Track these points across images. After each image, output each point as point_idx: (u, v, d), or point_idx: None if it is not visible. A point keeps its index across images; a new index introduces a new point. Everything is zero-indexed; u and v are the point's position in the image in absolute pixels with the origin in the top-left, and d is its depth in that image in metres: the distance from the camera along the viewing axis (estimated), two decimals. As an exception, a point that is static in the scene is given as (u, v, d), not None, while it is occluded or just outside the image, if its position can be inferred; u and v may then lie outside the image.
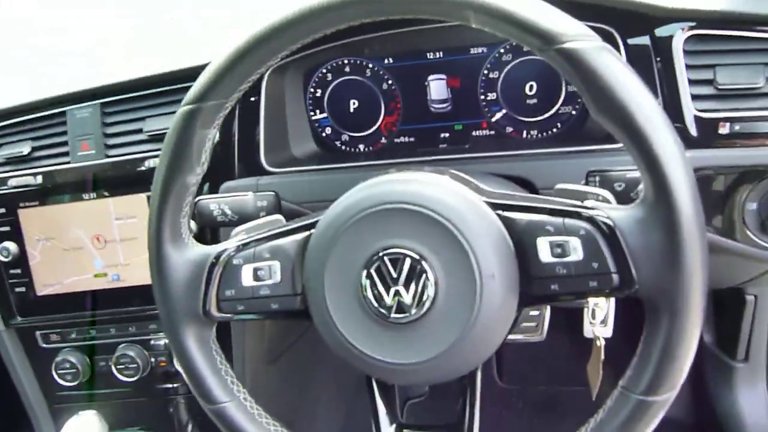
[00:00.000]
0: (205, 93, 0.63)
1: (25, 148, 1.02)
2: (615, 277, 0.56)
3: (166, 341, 1.05)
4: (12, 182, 1.01)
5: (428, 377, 0.61)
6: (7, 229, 1.03)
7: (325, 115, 1.01)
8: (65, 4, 1.54)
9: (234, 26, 1.16)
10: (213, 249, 0.69)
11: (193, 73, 0.98)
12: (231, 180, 0.93)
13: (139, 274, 1.01)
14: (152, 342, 1.06)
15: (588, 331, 0.99)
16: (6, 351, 1.09)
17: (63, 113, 1.01)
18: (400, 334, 0.61)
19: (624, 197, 0.72)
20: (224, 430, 0.69)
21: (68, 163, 1.00)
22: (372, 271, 0.61)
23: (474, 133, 0.97)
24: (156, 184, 0.66)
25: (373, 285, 0.61)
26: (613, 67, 0.53)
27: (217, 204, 0.81)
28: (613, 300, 0.85)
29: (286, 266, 0.67)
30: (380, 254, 0.61)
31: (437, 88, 0.96)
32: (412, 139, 1.00)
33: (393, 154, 0.98)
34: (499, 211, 0.61)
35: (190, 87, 0.97)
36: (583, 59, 0.53)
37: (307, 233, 0.67)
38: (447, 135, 0.98)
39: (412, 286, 0.60)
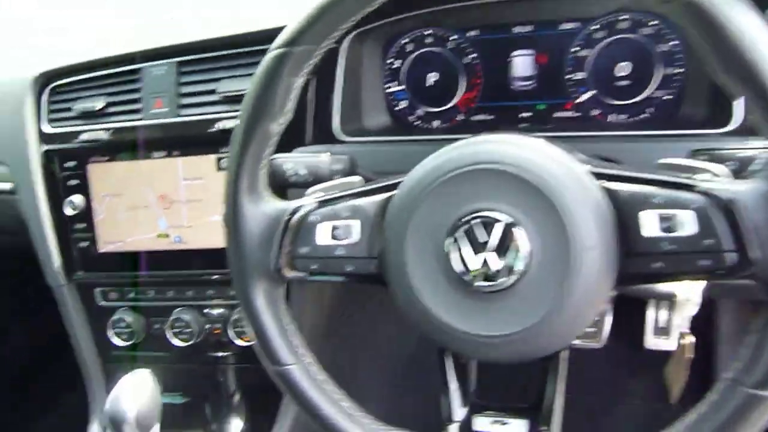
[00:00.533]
0: (296, 37, 0.61)
1: (98, 103, 1.01)
2: (731, 256, 0.51)
3: (223, 309, 1.04)
4: (84, 136, 1.01)
5: (512, 353, 0.57)
6: (75, 182, 1.03)
7: (401, 87, 0.98)
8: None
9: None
10: (289, 204, 0.66)
11: (272, 35, 0.97)
12: (302, 145, 0.91)
13: (202, 238, 0.99)
14: (208, 308, 1.04)
15: (649, 340, 0.94)
16: (65, 306, 1.09)
17: (139, 70, 1.00)
18: (485, 304, 0.57)
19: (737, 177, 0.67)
20: (287, 393, 0.66)
21: (140, 120, 1.00)
22: (459, 235, 0.57)
23: (556, 114, 0.93)
24: (237, 130, 0.64)
25: (460, 250, 0.57)
26: (748, 21, 0.48)
27: (292, 162, 0.79)
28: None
29: (365, 226, 0.64)
30: (469, 217, 0.57)
31: (522, 64, 0.92)
32: (490, 117, 0.96)
33: (469, 131, 0.93)
34: (603, 181, 0.57)
35: (266, 50, 0.97)
36: (712, 11, 0.49)
37: (388, 194, 0.64)
38: (528, 114, 0.94)
39: (503, 253, 0.56)
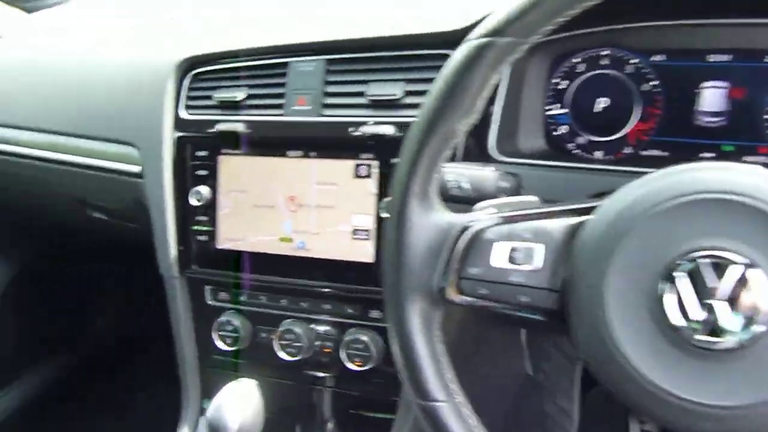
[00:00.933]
0: (503, 27, 0.53)
1: (239, 94, 0.97)
2: None
3: (337, 327, 0.96)
4: (220, 126, 0.97)
5: (744, 429, 0.46)
6: (204, 173, 0.99)
7: (564, 110, 0.89)
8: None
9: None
10: (462, 217, 0.58)
11: (432, 41, 0.91)
12: (452, 162, 0.84)
13: (328, 247, 0.92)
14: (322, 324, 0.97)
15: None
16: (174, 300, 1.04)
17: (285, 64, 0.96)
18: (708, 365, 0.46)
19: None
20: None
21: (281, 116, 0.95)
22: (678, 276, 0.47)
23: (746, 159, 0.81)
24: (417, 126, 0.56)
25: (678, 295, 0.47)
26: None
27: (454, 174, 0.71)
28: None
29: (550, 253, 0.55)
30: (694, 256, 0.47)
31: (712, 97, 0.81)
32: (664, 154, 0.85)
33: (635, 167, 0.84)
34: None
35: (424, 55, 0.91)
36: None
37: (579, 218, 0.55)
38: (710, 155, 0.82)
39: (737, 302, 0.46)
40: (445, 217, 0.58)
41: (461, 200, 0.70)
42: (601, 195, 0.57)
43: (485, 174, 0.71)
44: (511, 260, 0.55)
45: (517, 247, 0.55)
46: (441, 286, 0.57)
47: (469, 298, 0.56)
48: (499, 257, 0.55)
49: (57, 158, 1.14)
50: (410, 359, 0.57)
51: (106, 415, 1.66)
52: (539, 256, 0.55)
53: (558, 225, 0.55)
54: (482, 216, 0.58)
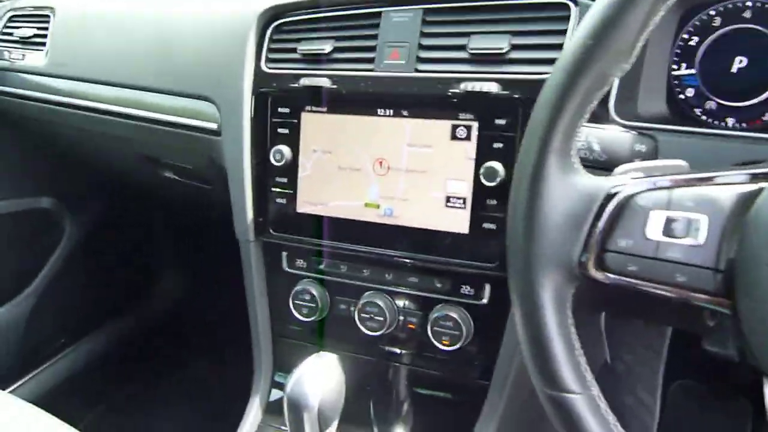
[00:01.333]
0: None
1: (326, 46, 0.90)
2: None
3: (422, 302, 0.89)
4: (304, 81, 0.90)
5: None
6: (285, 131, 0.93)
7: (692, 71, 0.79)
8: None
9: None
10: (607, 181, 0.49)
11: None
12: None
13: (418, 215, 0.85)
14: (406, 298, 0.90)
15: None
16: (248, 265, 0.99)
17: (378, 14, 0.88)
18: None
19: None
20: (563, 425, 0.50)
21: (371, 71, 0.87)
22: None
23: None
24: (562, 69, 0.48)
25: None
26: None
27: (585, 135, 0.62)
28: None
29: (715, 226, 0.46)
30: None
31: None
32: (811, 122, 0.74)
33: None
34: None
35: (535, 5, 0.82)
36: None
37: (757, 186, 0.46)
38: None
39: None
40: (588, 179, 0.50)
41: (592, 164, 0.61)
42: (751, 163, 0.48)
43: (619, 135, 0.62)
44: (667, 233, 0.47)
45: (676, 218, 0.47)
46: (581, 260, 0.49)
47: (613, 276, 0.48)
48: (654, 228, 0.47)
49: (132, 113, 1.09)
50: (540, 343, 0.49)
51: (171, 380, 1.65)
52: (702, 229, 0.46)
53: (727, 193, 0.46)
54: (631, 180, 0.49)
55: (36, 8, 1.29)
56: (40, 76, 1.23)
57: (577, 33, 0.48)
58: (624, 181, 0.49)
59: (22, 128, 1.39)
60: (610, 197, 0.48)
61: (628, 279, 0.48)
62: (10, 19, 1.33)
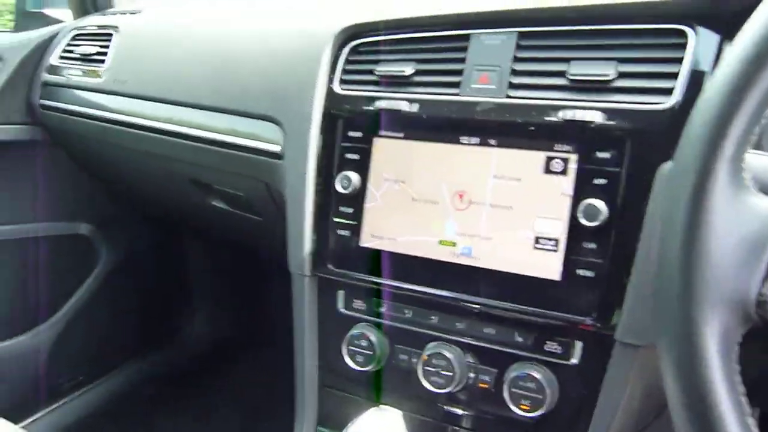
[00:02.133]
0: None
1: (407, 69, 0.83)
2: None
3: (498, 358, 0.77)
4: (380, 104, 0.82)
5: None
6: (355, 157, 0.85)
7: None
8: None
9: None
10: None
11: (661, 12, 0.75)
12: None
13: (501, 256, 0.75)
14: (480, 352, 0.79)
15: None
16: (301, 303, 0.89)
17: (466, 37, 0.81)
18: None
19: None
20: None
21: (456, 95, 0.79)
22: None
23: None
24: (739, 59, 0.39)
25: None
26: None
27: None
28: None
29: None
30: None
31: None
32: None
33: None
34: None
35: (648, 30, 0.74)
36: None
37: None
38: None
39: None
40: (764, 200, 0.40)
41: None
42: None
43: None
44: None
45: None
46: (760, 298, 0.38)
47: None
48: None
49: (190, 133, 1.03)
50: (705, 400, 0.38)
51: (197, 424, 1.53)
52: None
53: None
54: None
55: (100, 27, 1.27)
56: (98, 93, 1.19)
57: (754, 16, 0.39)
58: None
59: (71, 147, 1.34)
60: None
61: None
62: (74, 38, 1.31)
